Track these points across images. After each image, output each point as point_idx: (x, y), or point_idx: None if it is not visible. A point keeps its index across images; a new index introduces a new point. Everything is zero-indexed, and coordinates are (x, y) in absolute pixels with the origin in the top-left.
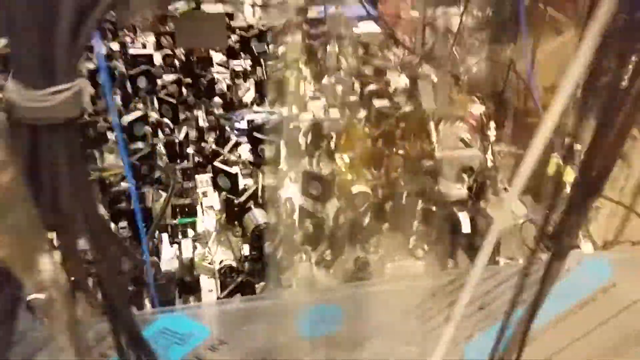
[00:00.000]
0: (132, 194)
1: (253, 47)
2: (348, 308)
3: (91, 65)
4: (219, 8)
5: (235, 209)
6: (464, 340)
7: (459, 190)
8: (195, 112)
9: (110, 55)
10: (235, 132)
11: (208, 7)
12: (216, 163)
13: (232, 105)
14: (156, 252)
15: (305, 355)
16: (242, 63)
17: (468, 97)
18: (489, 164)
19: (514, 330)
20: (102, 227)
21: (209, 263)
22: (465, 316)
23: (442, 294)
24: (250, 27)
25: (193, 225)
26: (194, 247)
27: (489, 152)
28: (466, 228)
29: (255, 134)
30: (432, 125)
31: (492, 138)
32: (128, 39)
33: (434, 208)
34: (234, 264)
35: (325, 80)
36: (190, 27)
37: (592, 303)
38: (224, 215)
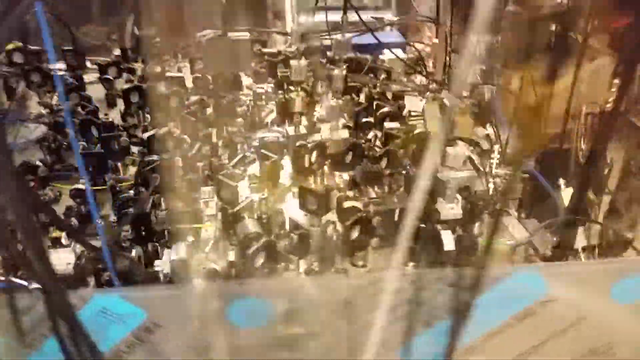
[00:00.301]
0: (88, 193)
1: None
2: (278, 302)
3: (126, 86)
4: (245, 35)
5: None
6: (399, 343)
7: (452, 210)
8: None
9: (144, 77)
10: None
11: (235, 34)
12: (220, 176)
13: (253, 125)
14: (155, 254)
15: (234, 344)
16: (265, 86)
17: (471, 120)
18: (491, 186)
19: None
20: (30, 212)
21: (203, 268)
22: (397, 319)
23: (372, 291)
24: (278, 52)
25: (196, 232)
26: (192, 253)
27: (491, 174)
28: (448, 245)
29: (263, 151)
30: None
31: (496, 161)
32: (165, 64)
33: (422, 225)
34: (218, 269)
35: (333, 102)
36: (217, 52)
37: (533, 317)
38: (221, 223)
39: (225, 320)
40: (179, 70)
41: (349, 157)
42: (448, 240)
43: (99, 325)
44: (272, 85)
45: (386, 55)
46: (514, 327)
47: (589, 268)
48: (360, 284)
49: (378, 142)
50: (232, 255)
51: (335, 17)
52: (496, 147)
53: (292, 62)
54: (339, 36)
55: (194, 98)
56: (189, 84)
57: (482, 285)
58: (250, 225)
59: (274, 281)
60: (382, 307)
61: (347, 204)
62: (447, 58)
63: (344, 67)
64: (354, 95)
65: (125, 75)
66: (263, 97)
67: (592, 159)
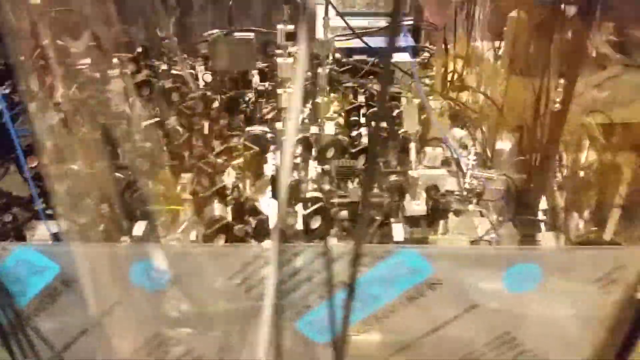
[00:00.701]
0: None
1: None
2: (178, 268)
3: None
4: (250, 34)
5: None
6: (296, 315)
7: (417, 207)
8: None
9: (157, 74)
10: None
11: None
12: (200, 164)
13: (252, 120)
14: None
15: (137, 302)
16: (266, 84)
17: (448, 121)
18: (466, 186)
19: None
20: None
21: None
22: (294, 292)
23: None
24: (289, 54)
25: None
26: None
27: (467, 175)
28: (398, 237)
29: (246, 143)
30: (412, 145)
31: (472, 162)
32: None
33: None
34: None
35: (318, 100)
36: (222, 51)
37: (424, 299)
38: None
39: (128, 280)
40: (192, 67)
41: (330, 152)
42: (398, 233)
43: (20, 274)
44: (274, 83)
45: (395, 58)
46: (406, 308)
47: (477, 253)
48: (255, 254)
49: (365, 140)
50: (193, 236)
51: (359, 22)
52: (472, 149)
53: (279, 60)
54: (321, 36)
55: (197, 93)
56: (201, 80)
57: (360, 262)
58: (217, 209)
59: (174, 247)
60: (269, 279)
61: (309, 194)
62: (448, 63)
63: (329, 66)
64: (351, 95)
65: (144, 71)
66: (265, 94)
67: (543, 161)
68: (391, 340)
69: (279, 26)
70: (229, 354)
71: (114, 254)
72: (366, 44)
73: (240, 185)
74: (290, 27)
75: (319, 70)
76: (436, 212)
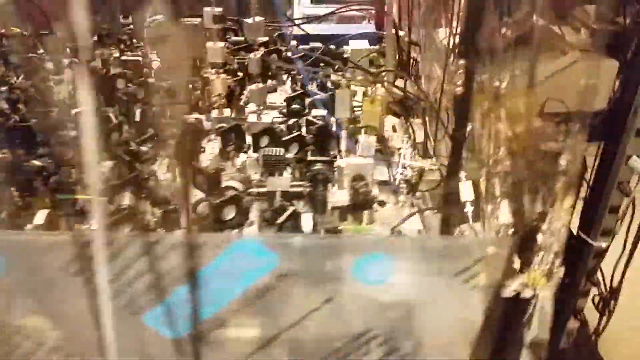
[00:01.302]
0: None
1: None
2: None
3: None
4: (196, 20)
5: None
6: (141, 309)
7: (340, 196)
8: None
9: (106, 60)
10: None
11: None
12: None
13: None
14: None
15: None
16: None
17: (381, 109)
18: (397, 176)
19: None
20: None
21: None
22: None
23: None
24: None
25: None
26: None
27: (398, 164)
28: (307, 227)
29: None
30: (343, 133)
31: (407, 151)
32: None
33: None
34: None
35: (253, 86)
36: (166, 38)
37: (277, 290)
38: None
39: None
40: (145, 55)
41: (264, 141)
42: (307, 223)
43: None
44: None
45: (351, 46)
46: (258, 302)
47: (326, 243)
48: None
49: (304, 130)
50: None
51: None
52: (406, 138)
53: (208, 44)
54: (249, 20)
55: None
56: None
57: (197, 253)
58: (126, 198)
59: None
60: (100, 270)
61: (225, 184)
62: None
63: (261, 51)
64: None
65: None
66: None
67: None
68: (250, 337)
69: (206, 9)
70: (76, 345)
71: None
72: (304, 30)
73: (167, 175)
74: (218, 9)
75: (250, 55)
76: (358, 203)
